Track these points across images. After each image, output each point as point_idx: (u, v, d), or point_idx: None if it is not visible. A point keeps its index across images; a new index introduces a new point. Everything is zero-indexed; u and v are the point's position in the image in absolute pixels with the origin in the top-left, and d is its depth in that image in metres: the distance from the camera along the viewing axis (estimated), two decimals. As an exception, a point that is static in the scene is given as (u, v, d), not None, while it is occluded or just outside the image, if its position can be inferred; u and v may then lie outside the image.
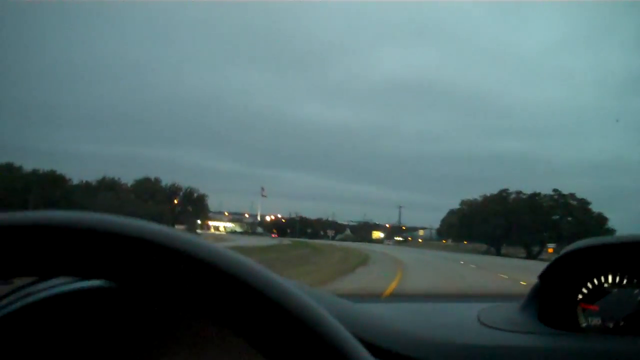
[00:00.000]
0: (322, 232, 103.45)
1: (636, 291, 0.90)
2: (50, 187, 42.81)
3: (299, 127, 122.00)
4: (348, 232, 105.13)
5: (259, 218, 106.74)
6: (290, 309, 0.40)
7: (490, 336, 0.84)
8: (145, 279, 0.40)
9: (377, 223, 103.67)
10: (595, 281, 0.94)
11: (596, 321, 0.91)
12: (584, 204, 53.37)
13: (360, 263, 20.19)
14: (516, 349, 0.80)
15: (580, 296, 0.94)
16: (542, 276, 0.97)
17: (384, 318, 0.85)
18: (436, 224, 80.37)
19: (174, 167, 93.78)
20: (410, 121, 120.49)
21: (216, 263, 0.40)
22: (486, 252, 53.18)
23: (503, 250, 54.52)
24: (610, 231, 49.16)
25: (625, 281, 0.92)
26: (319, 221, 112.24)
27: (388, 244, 79.24)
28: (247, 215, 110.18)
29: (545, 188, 57.70)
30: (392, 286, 10.56)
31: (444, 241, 74.27)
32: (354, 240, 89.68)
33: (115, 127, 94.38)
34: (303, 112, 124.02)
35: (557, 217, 53.24)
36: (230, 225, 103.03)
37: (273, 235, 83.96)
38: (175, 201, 65.76)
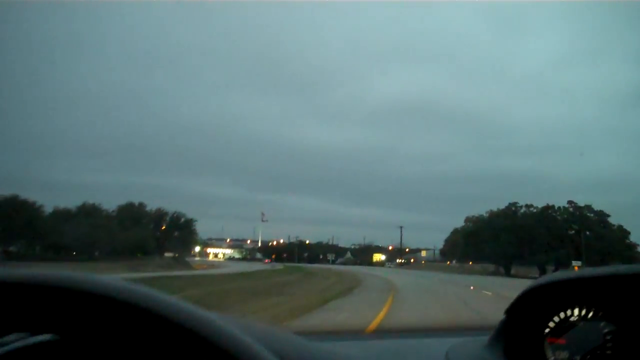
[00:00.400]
0: (321, 256, 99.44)
1: (602, 324, 0.91)
2: (13, 213, 38.88)
3: (300, 151, 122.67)
4: (349, 255, 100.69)
5: (259, 243, 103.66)
6: (227, 349, 0.40)
7: None
8: (88, 329, 0.41)
9: (378, 245, 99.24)
10: (562, 315, 0.95)
11: (563, 355, 0.92)
12: (602, 216, 48.01)
13: (342, 292, 17.03)
14: None
15: (547, 330, 0.94)
16: (509, 311, 0.97)
17: (343, 357, 0.80)
18: (440, 245, 76.29)
19: (174, 196, 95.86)
20: (412, 142, 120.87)
21: (149, 307, 0.41)
22: (494, 273, 48.59)
23: (513, 271, 49.58)
24: (632, 246, 44.77)
25: (591, 314, 0.93)
26: (319, 245, 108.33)
27: (389, 267, 75.06)
28: (249, 242, 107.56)
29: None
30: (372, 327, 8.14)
31: (447, 263, 69.57)
32: (354, 264, 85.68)
33: (113, 155, 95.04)
34: (304, 136, 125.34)
35: (573, 231, 47.66)
36: (229, 252, 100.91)
37: (266, 261, 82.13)
38: (162, 227, 61.41)
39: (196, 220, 62.77)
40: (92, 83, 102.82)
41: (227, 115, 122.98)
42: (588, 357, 0.90)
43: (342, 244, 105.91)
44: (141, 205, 59.74)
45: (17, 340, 0.65)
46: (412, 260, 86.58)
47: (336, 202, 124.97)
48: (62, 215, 48.41)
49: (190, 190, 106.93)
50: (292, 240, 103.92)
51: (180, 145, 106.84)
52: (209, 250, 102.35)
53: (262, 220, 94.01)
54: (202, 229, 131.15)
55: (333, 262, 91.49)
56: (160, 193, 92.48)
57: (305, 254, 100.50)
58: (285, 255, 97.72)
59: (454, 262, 65.67)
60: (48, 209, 47.85)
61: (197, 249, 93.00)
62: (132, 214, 56.47)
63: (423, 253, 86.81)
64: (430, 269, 60.32)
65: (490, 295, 17.12)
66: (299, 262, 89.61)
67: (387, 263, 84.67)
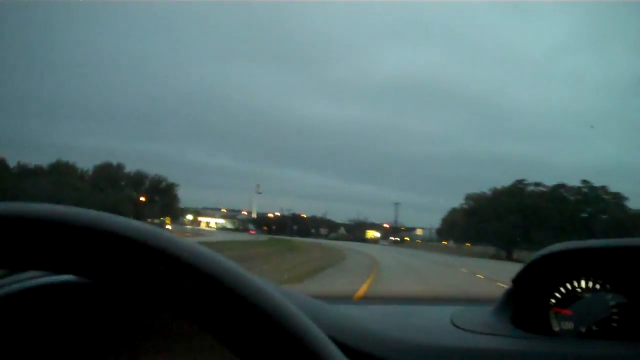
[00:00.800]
0: (313, 230, 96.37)
1: (609, 296, 0.92)
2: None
3: (299, 125, 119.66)
4: (342, 230, 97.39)
5: (254, 215, 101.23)
6: (261, 307, 0.40)
7: (463, 338, 0.85)
8: (115, 275, 0.40)
9: (373, 223, 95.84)
10: (569, 286, 0.95)
11: (569, 325, 0.92)
12: (619, 199, 43.07)
13: (315, 271, 14.58)
14: (488, 351, 0.80)
15: (553, 300, 0.95)
16: (516, 280, 0.98)
17: (357, 319, 0.84)
18: (437, 225, 72.48)
19: (170, 164, 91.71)
20: (412, 121, 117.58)
21: (187, 260, 0.40)
22: (495, 257, 44.70)
23: (515, 255, 45.60)
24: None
25: (598, 286, 0.93)
26: (313, 219, 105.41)
27: (383, 245, 71.13)
28: (244, 213, 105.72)
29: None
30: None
31: (444, 242, 65.73)
32: (347, 240, 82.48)
33: (114, 121, 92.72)
34: (304, 110, 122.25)
35: (587, 214, 42.89)
36: (222, 221, 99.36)
37: (251, 232, 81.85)
38: (143, 198, 56.98)
39: (177, 185, 58.61)
40: (88, 44, 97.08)
41: (227, 84, 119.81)
42: (593, 328, 0.90)
43: (337, 220, 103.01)
44: (120, 166, 54.67)
45: (36, 278, 0.64)
46: (406, 239, 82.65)
47: (333, 177, 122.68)
48: (29, 172, 44.49)
49: (187, 159, 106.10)
50: (286, 213, 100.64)
51: (177, 113, 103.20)
52: (200, 219, 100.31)
53: (257, 192, 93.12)
54: (198, 197, 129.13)
55: (326, 237, 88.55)
56: (156, 160, 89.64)
57: (297, 228, 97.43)
58: (276, 227, 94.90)
59: (451, 242, 61.27)
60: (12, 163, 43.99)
61: (190, 217, 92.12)
62: (108, 175, 51.81)
63: (419, 231, 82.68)
64: (426, 248, 56.01)
65: (482, 279, 15.34)
66: (291, 235, 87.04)
67: (380, 240, 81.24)
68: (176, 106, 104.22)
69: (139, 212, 51.70)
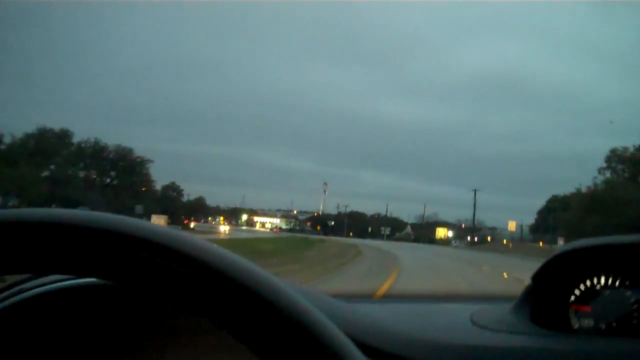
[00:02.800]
0: (370, 229, 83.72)
1: (628, 293, 0.90)
2: None
3: (371, 124, 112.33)
4: (408, 230, 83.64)
5: (320, 213, 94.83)
6: (281, 307, 0.40)
7: (482, 337, 0.84)
8: (138, 278, 0.40)
9: (446, 221, 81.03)
10: (588, 282, 0.94)
11: (588, 322, 0.91)
12: None
13: None
14: (508, 349, 0.80)
15: (572, 297, 0.94)
16: (535, 277, 0.97)
17: (377, 318, 0.85)
18: (530, 221, 56.57)
19: (241, 165, 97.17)
20: (491, 119, 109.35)
21: (208, 261, 0.40)
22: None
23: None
24: None
25: (617, 283, 0.92)
26: (374, 218, 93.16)
27: (456, 246, 56.81)
28: (295, 212, 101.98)
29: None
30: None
31: (540, 243, 49.30)
32: (411, 241, 69.10)
33: (187, 124, 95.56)
34: (378, 109, 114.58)
35: None
36: (277, 221, 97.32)
37: (275, 230, 79.50)
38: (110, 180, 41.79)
39: (151, 162, 45.86)
40: (165, 48, 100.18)
41: (295, 84, 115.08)
42: (613, 325, 0.88)
43: (404, 218, 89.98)
44: (65, 133, 39.35)
45: (60, 281, 0.66)
46: (489, 239, 64.46)
47: (406, 177, 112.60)
48: None
49: (253, 159, 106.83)
50: (343, 210, 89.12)
51: (242, 113, 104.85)
52: (256, 218, 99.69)
53: (324, 192, 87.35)
54: (263, 198, 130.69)
55: (388, 238, 75.71)
56: (225, 163, 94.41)
57: (355, 226, 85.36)
58: (333, 227, 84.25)
59: (562, 241, 40.83)
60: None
61: (245, 217, 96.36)
62: (44, 145, 37.59)
63: (511, 226, 57.19)
64: (518, 252, 37.63)
65: None
66: (349, 235, 76.97)
67: (453, 241, 65.31)
68: (247, 108, 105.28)
69: (108, 199, 37.74)
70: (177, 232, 0.42)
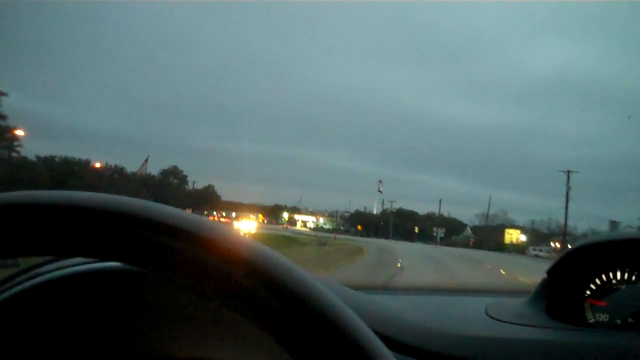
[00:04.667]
0: (418, 230, 69.68)
1: None
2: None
3: (435, 126, 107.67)
4: (468, 232, 68.69)
5: (375, 211, 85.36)
6: (310, 302, 0.39)
7: (498, 329, 0.85)
8: (163, 264, 0.40)
9: (516, 224, 64.72)
10: (604, 277, 0.94)
11: (604, 317, 0.91)
12: None
13: None
14: (524, 341, 0.81)
15: (588, 292, 0.94)
16: (551, 271, 0.97)
17: (394, 309, 0.86)
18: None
19: (297, 166, 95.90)
20: (560, 122, 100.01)
21: (237, 251, 0.39)
22: None
23: None
24: None
25: (633, 277, 0.92)
26: (429, 217, 79.06)
27: (537, 255, 40.72)
28: (345, 212, 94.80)
29: None
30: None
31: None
32: (470, 245, 54.68)
33: (246, 126, 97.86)
34: (441, 111, 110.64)
35: None
36: (321, 220, 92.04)
37: (284, 226, 75.41)
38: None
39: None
40: (225, 49, 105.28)
41: (355, 84, 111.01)
42: (629, 320, 0.89)
43: (464, 219, 75.61)
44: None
45: (84, 264, 0.66)
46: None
47: (471, 182, 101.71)
48: None
49: (312, 160, 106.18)
50: (389, 208, 75.90)
51: (301, 113, 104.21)
52: (297, 217, 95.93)
53: (379, 191, 76.07)
54: (320, 200, 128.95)
55: (441, 240, 61.59)
56: (281, 163, 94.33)
57: (403, 226, 71.71)
58: (368, 226, 71.42)
59: None
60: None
61: (285, 215, 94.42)
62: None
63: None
64: None
65: None
66: (394, 236, 64.05)
67: (531, 248, 48.05)
68: (305, 109, 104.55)
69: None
70: (206, 219, 0.41)
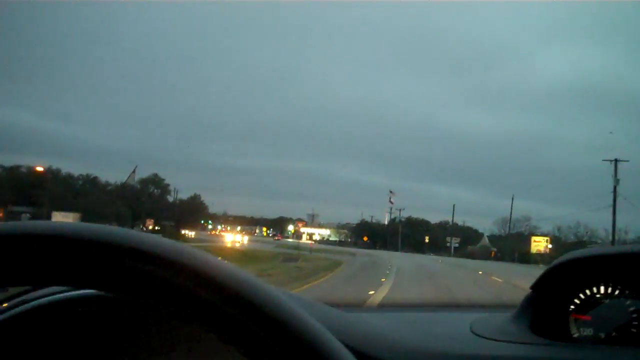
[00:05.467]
0: (428, 239, 63.01)
1: (628, 302, 0.91)
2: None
3: (447, 136, 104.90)
4: (485, 242, 61.70)
5: (386, 222, 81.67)
6: (278, 318, 0.40)
7: (483, 346, 0.84)
8: (135, 289, 0.40)
9: (540, 231, 57.69)
10: (588, 292, 0.95)
11: (588, 331, 0.91)
12: None
13: None
14: (508, 358, 0.81)
15: (572, 306, 0.94)
16: (535, 286, 0.97)
17: (377, 327, 0.85)
18: None
19: (314, 179, 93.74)
20: (574, 130, 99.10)
21: (205, 273, 0.40)
22: None
23: None
24: None
25: (617, 292, 0.93)
26: (439, 226, 72.39)
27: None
28: (350, 223, 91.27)
29: None
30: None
31: None
32: (488, 257, 47.97)
33: (261, 137, 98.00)
34: (453, 120, 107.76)
35: None
36: (327, 232, 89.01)
37: (276, 238, 74.59)
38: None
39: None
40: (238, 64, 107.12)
41: (363, 97, 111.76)
42: (613, 334, 0.89)
43: (479, 228, 69.10)
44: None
45: (58, 293, 0.68)
46: None
47: (482, 192, 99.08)
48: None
49: (324, 173, 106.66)
50: (396, 217, 69.54)
51: (314, 126, 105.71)
52: (303, 229, 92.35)
53: (390, 202, 72.93)
54: (331, 212, 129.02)
55: (455, 251, 55.06)
56: (299, 177, 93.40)
57: (412, 237, 65.20)
58: (376, 237, 65.15)
59: None
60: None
61: (291, 227, 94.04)
62: None
63: None
64: None
65: None
66: (403, 247, 57.73)
67: None
68: (318, 121, 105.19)
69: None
70: (176, 244, 0.42)
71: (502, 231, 58.55)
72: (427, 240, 64.19)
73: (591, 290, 0.94)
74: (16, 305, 0.67)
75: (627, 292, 0.91)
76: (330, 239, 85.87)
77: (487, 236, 63.55)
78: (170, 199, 46.84)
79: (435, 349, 0.78)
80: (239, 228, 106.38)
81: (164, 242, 0.42)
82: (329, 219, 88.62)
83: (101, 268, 0.40)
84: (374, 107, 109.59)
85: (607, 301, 0.92)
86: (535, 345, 0.85)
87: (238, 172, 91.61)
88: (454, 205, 61.84)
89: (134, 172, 44.55)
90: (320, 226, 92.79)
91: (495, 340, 0.86)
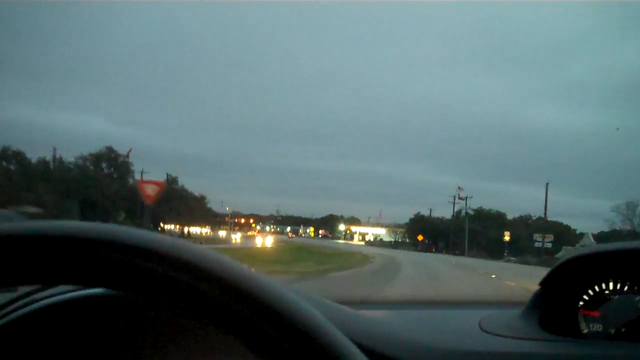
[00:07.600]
0: (507, 236, 46.17)
1: (637, 298, 0.91)
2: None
3: (523, 134, 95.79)
4: (590, 240, 43.66)
5: (451, 215, 67.18)
6: (286, 315, 0.40)
7: (492, 343, 0.84)
8: (145, 288, 0.41)
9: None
10: (597, 288, 0.95)
11: (597, 327, 0.91)
12: None
13: None
14: (518, 355, 0.81)
15: (581, 303, 0.94)
16: (544, 283, 0.97)
17: (385, 324, 0.86)
18: None
19: (378, 178, 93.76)
20: None
21: (213, 271, 0.40)
22: None
23: None
24: None
25: (626, 288, 0.93)
26: (521, 221, 55.31)
27: None
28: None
29: None
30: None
31: None
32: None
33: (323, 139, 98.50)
34: (529, 118, 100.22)
35: None
36: (383, 232, 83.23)
37: (290, 235, 79.56)
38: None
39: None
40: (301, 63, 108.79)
41: (435, 95, 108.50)
42: (622, 330, 0.89)
43: (579, 227, 52.39)
44: None
45: (68, 292, 0.68)
46: None
47: (566, 191, 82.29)
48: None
49: (391, 173, 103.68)
50: (462, 210, 53.77)
51: (379, 125, 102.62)
52: (354, 229, 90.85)
53: (459, 198, 60.77)
54: (397, 213, 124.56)
55: (547, 253, 38.45)
56: (366, 178, 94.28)
57: (485, 235, 48.83)
58: (437, 236, 49.66)
59: None
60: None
61: (342, 227, 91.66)
62: None
63: None
64: None
65: None
66: (470, 249, 42.57)
67: None
68: (387, 121, 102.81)
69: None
70: (181, 241, 0.42)
71: (615, 224, 41.16)
72: (507, 238, 47.20)
73: (600, 287, 0.93)
74: (26, 305, 0.67)
75: (636, 288, 0.90)
76: (384, 239, 75.36)
77: (592, 234, 45.85)
78: (132, 181, 34.28)
79: (444, 346, 0.78)
80: (288, 228, 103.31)
81: (175, 242, 0.42)
82: (396, 220, 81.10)
83: (110, 267, 0.40)
84: (446, 105, 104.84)
85: (616, 297, 0.91)
86: (545, 341, 0.85)
87: (297, 173, 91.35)
88: (546, 185, 44.12)
89: (127, 155, 37.72)
90: (375, 225, 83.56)
91: (504, 336, 0.85)
